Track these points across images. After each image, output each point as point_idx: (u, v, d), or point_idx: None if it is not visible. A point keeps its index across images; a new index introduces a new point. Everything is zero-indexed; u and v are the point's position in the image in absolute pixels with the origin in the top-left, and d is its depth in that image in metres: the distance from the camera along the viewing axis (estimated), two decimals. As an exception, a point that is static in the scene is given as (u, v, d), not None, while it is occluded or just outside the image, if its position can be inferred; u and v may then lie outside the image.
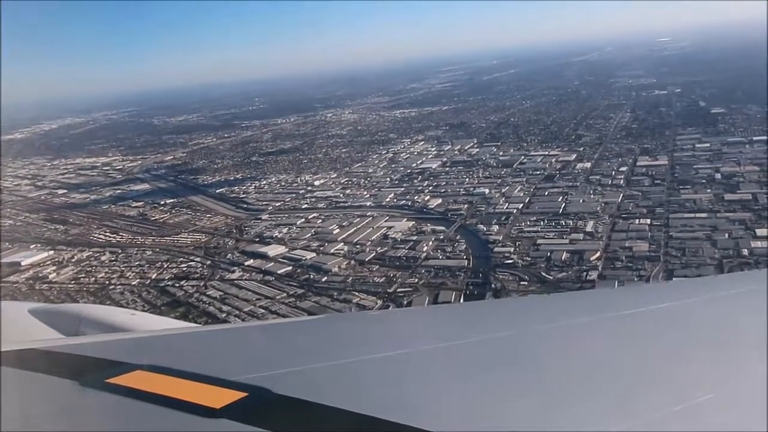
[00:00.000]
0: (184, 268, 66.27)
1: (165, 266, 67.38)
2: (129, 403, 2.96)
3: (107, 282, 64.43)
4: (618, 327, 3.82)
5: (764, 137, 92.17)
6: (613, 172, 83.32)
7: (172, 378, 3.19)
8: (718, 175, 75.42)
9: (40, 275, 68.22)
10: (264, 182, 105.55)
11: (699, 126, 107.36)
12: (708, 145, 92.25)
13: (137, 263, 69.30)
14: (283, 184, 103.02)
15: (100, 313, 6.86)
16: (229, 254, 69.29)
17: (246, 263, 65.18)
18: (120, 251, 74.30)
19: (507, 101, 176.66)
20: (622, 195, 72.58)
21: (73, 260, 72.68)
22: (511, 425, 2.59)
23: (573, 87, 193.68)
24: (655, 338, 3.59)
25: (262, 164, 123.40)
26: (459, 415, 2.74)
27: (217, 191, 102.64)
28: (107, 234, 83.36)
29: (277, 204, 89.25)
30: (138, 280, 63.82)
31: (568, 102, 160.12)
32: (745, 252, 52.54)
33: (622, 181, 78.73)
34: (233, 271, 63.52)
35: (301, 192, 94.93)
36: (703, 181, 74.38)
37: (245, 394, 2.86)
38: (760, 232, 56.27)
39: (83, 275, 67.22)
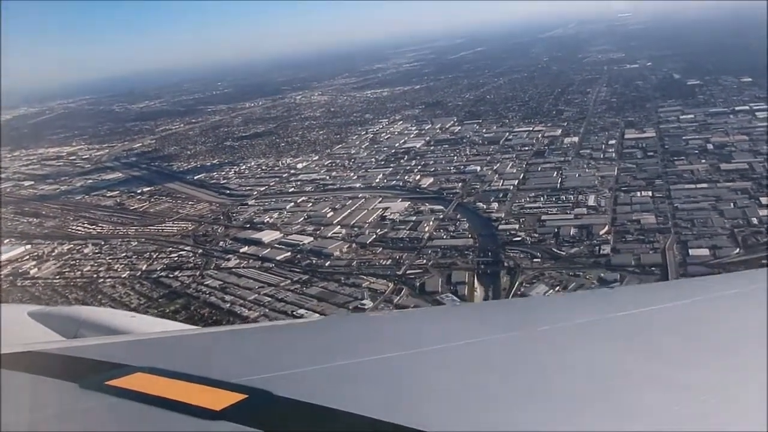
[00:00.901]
0: (176, 258, 63.51)
1: (154, 257, 64.51)
2: (129, 405, 2.96)
3: (95, 275, 61.38)
4: (619, 328, 3.79)
5: (746, 107, 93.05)
6: (603, 146, 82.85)
7: (172, 380, 3.18)
8: (709, 146, 75.40)
9: (20, 271, 64.75)
10: (243, 167, 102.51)
11: (678, 98, 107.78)
12: (692, 116, 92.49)
13: (124, 254, 66.26)
14: (263, 168, 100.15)
15: (99, 315, 6.94)
16: (221, 242, 66.66)
17: (241, 250, 62.76)
18: (103, 243, 71.01)
19: (479, 79, 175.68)
20: (617, 168, 72.07)
21: (53, 254, 69.26)
22: (512, 427, 2.58)
23: (543, 63, 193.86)
24: (654, 339, 3.55)
25: (238, 149, 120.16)
26: (459, 417, 2.71)
27: (195, 177, 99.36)
28: (86, 225, 79.81)
29: (262, 188, 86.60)
30: (128, 272, 60.91)
31: (541, 78, 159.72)
32: (755, 221, 52.23)
33: (613, 155, 78.27)
34: (229, 259, 61.05)
35: (284, 176, 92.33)
36: (696, 151, 74.30)
37: (245, 396, 2.85)
38: (764, 200, 56.18)
39: (67, 269, 64.00)
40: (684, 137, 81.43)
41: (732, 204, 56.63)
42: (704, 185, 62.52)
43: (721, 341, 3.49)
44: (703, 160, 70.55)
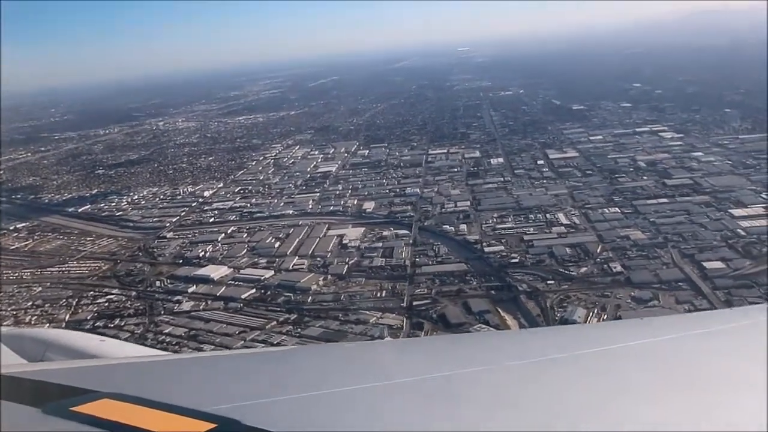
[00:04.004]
0: (106, 304, 52.47)
1: (75, 303, 52.93)
2: None
3: None
4: (590, 364, 3.79)
5: (646, 128, 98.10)
6: (534, 166, 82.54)
7: (140, 407, 3.09)
8: (640, 164, 77.41)
9: None
10: (135, 196, 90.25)
11: (574, 121, 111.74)
12: (601, 137, 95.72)
13: (30, 303, 53.79)
14: (162, 197, 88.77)
15: (67, 338, 6.63)
16: (156, 282, 56.34)
17: (189, 290, 53.13)
18: (-7, 290, 57.46)
19: (356, 105, 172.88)
20: (565, 186, 71.35)
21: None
22: None
23: (413, 90, 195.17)
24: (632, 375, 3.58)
25: (116, 177, 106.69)
26: None
27: (80, 210, 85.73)
28: (-42, 270, 64.54)
29: (173, 219, 75.95)
30: (48, 324, 48.99)
31: (422, 103, 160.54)
32: (741, 232, 52.69)
33: (551, 173, 77.90)
34: (179, 302, 51.27)
35: (193, 204, 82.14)
36: (631, 169, 75.86)
37: (214, 425, 2.80)
38: (736, 212, 57.32)
39: (-42, 326, 50.29)
40: (608, 156, 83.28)
41: (706, 217, 57.19)
42: (665, 200, 63.07)
43: (697, 378, 3.48)
44: (645, 177, 71.91)
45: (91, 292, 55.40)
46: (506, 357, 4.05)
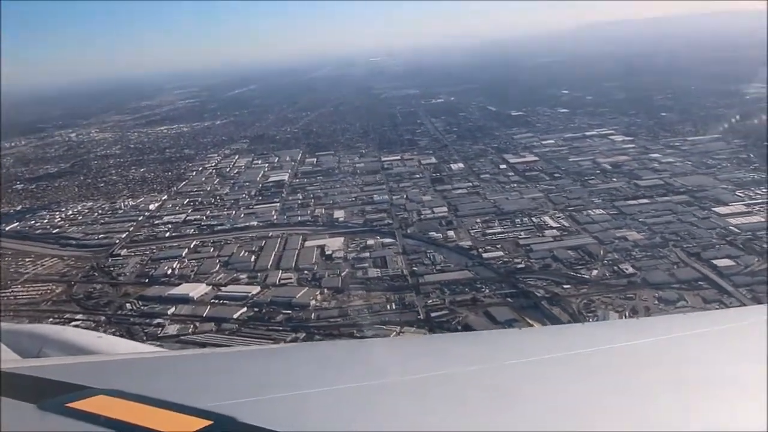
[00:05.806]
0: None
1: (35, 333, 46.24)
2: (88, 429, 2.81)
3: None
4: (587, 364, 3.73)
5: (594, 132, 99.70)
6: (497, 170, 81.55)
7: (135, 404, 3.05)
8: (605, 166, 77.93)
9: None
10: (70, 211, 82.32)
11: (519, 126, 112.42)
12: (553, 141, 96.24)
13: (-21, 336, 46.58)
14: (100, 211, 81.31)
15: (64, 334, 6.55)
16: (126, 303, 50.46)
17: (168, 312, 47.75)
18: (-73, 323, 49.56)
19: (285, 114, 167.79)
20: (538, 190, 70.50)
21: None
22: None
23: (339, 99, 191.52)
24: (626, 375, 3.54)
25: (39, 192, 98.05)
26: None
27: (7, 228, 76.99)
28: None
29: (122, 235, 69.29)
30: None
31: (354, 111, 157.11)
32: (734, 229, 53.04)
33: (518, 178, 77.03)
34: (161, 325, 45.88)
35: (140, 219, 75.49)
36: (597, 171, 76.12)
37: (210, 422, 2.77)
38: (720, 210, 57.99)
39: None
40: (569, 159, 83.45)
41: (693, 216, 57.47)
42: (645, 201, 63.19)
43: (696, 379, 3.42)
44: (614, 179, 72.17)
45: (50, 319, 48.75)
46: (505, 355, 3.99)
